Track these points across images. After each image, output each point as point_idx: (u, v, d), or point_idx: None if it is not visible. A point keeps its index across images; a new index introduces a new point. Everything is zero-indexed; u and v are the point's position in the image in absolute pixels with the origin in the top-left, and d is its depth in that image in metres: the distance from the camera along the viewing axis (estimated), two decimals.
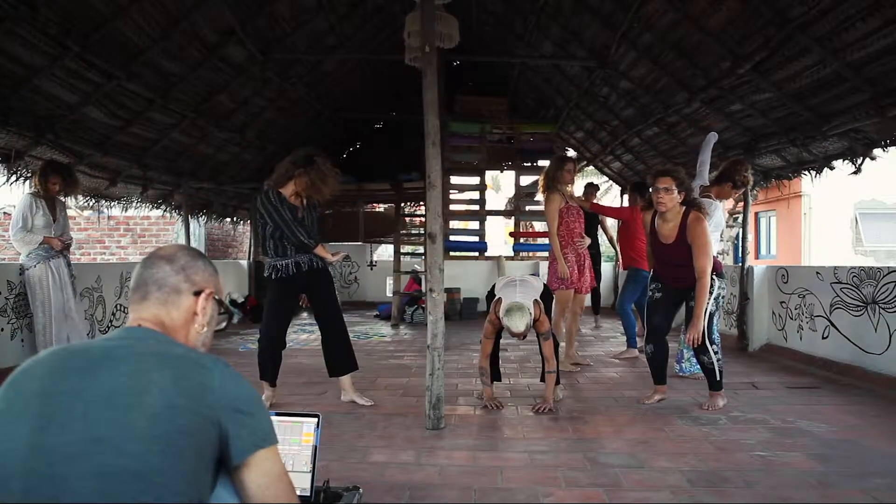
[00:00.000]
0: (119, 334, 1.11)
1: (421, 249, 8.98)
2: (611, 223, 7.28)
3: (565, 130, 9.33)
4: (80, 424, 0.93)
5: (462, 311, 8.27)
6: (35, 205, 4.36)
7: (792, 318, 5.04)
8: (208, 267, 1.25)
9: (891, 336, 3.93)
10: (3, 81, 4.05)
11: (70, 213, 5.17)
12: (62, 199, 4.66)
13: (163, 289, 1.17)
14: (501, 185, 18.25)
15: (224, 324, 1.31)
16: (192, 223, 7.48)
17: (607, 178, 10.30)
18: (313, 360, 5.20)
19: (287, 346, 3.61)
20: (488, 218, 9.26)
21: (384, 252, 13.13)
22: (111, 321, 5.67)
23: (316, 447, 1.86)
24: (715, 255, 3.86)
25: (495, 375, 3.78)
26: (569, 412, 3.42)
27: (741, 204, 6.12)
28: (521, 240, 9.95)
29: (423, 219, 9.64)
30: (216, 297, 1.24)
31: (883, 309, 4.01)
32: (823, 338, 4.56)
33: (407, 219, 10.06)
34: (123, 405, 0.94)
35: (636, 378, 4.29)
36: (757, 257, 16.20)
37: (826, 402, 3.56)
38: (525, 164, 9.23)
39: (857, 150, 4.54)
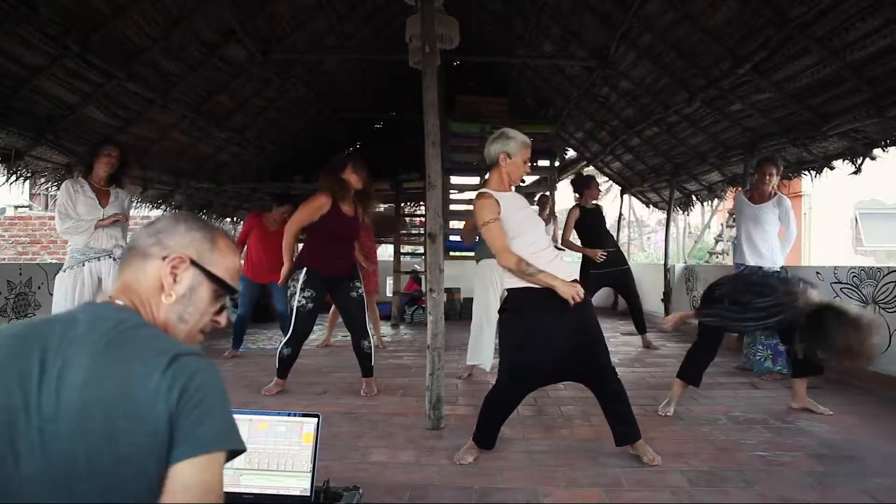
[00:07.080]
0: (84, 317, 0.95)
1: (421, 249, 8.98)
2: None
3: (565, 130, 9.32)
4: (38, 457, 0.84)
5: (462, 311, 8.27)
6: (75, 189, 3.63)
7: None
8: (192, 231, 1.07)
9: (891, 336, 3.93)
10: (3, 81, 4.05)
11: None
12: (117, 188, 3.86)
13: (133, 253, 1.06)
14: None
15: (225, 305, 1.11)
16: None
17: (607, 178, 10.30)
18: (313, 360, 5.20)
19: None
20: None
21: (384, 252, 13.12)
22: None
23: (316, 447, 1.86)
24: None
25: None
26: (569, 412, 3.42)
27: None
28: None
29: (423, 219, 9.64)
30: (203, 267, 1.06)
31: (883, 309, 4.00)
32: None
33: (407, 219, 10.05)
34: (67, 434, 0.84)
35: (636, 378, 4.29)
36: None
37: (826, 402, 3.55)
38: None
39: (857, 150, 4.55)
